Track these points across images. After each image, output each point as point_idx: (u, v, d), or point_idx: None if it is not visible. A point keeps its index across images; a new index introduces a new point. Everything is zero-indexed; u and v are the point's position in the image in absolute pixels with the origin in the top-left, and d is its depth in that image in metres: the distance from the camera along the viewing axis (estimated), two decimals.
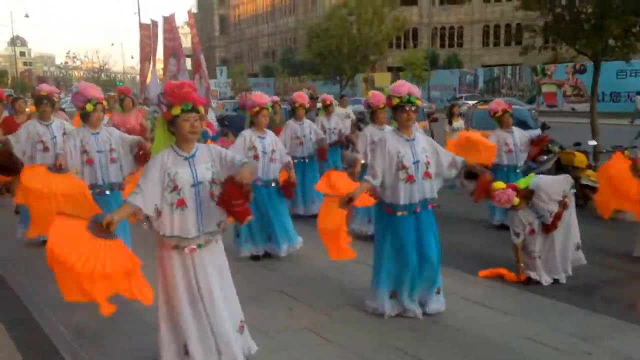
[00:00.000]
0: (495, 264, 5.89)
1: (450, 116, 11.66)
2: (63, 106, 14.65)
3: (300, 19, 60.34)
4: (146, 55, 14.16)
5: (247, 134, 6.13)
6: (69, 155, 5.29)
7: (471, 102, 19.76)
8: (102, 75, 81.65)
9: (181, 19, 46.04)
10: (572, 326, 4.49)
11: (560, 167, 9.18)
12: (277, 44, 66.57)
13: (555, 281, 5.52)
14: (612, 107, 29.20)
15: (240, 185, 3.30)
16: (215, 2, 77.82)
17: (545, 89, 36.59)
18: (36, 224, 4.92)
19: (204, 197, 3.46)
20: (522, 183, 5.47)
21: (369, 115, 7.07)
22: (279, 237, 6.28)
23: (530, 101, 35.25)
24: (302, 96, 8.43)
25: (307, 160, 8.31)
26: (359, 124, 11.17)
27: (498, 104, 7.60)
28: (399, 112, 4.48)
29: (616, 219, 7.40)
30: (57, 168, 5.17)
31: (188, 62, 14.79)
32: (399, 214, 4.49)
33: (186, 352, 3.52)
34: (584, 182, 8.48)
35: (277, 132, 7.21)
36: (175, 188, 3.40)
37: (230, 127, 12.68)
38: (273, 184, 6.27)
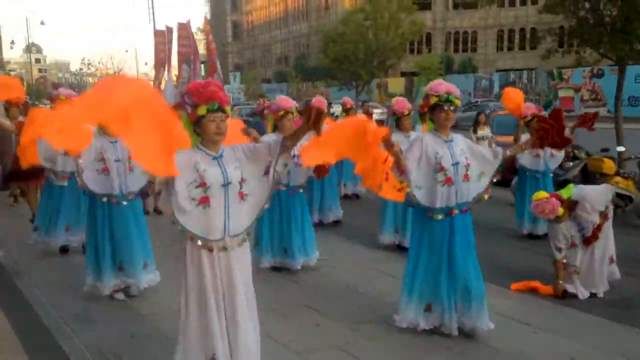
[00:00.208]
0: (526, 276, 5.66)
1: (476, 124, 11.05)
2: None
3: (313, 25, 60.30)
4: (161, 61, 14.15)
5: (272, 138, 5.93)
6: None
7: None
8: None
9: (194, 26, 46.20)
10: (613, 343, 4.27)
11: (586, 174, 8.92)
12: (290, 49, 66.62)
13: (592, 295, 5.27)
14: (630, 112, 28.74)
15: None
16: (228, 9, 78.12)
17: (562, 93, 36.14)
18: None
19: (233, 199, 3.29)
20: (564, 193, 5.22)
21: (394, 122, 6.85)
22: (295, 249, 6.06)
23: (547, 106, 34.82)
24: (321, 101, 8.24)
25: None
26: None
27: (528, 108, 7.32)
28: (437, 111, 4.24)
29: None
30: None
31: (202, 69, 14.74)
32: (436, 217, 4.25)
33: None
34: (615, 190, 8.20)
35: None
36: (203, 185, 3.21)
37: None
38: (300, 190, 6.08)
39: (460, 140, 4.37)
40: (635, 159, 8.94)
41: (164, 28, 13.99)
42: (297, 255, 6.07)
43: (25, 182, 8.32)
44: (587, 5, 11.31)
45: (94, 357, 4.18)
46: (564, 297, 5.21)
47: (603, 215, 5.17)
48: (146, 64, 67.64)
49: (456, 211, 4.25)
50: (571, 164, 9.04)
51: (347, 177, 10.02)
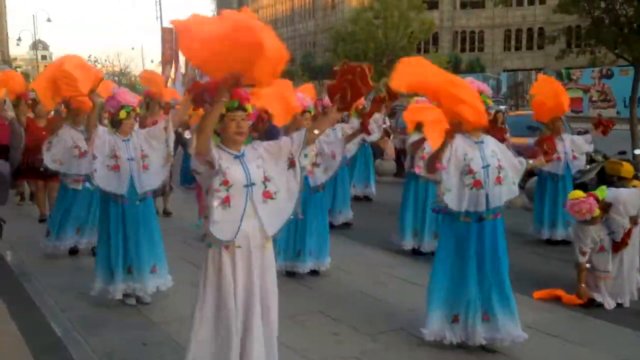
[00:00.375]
0: (548, 284, 5.48)
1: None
2: None
3: (319, 23, 60.13)
4: (167, 58, 14.05)
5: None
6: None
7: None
8: (123, 79, 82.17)
9: None
10: None
11: (603, 178, 8.70)
12: (297, 48, 66.46)
13: (619, 305, 5.08)
14: (638, 113, 28.50)
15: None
16: (234, 7, 78.14)
17: (570, 94, 35.54)
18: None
19: (257, 199, 3.15)
20: (598, 194, 4.97)
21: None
22: (306, 252, 5.88)
23: None
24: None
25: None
26: (387, 130, 10.85)
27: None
28: None
29: None
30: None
31: None
32: (463, 220, 4.06)
33: None
34: None
35: None
36: (225, 182, 3.06)
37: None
38: (320, 190, 5.90)
39: (490, 142, 4.17)
40: None
41: (171, 25, 13.90)
42: (308, 258, 5.89)
43: (34, 180, 8.19)
44: (602, 4, 11.15)
45: None
46: (590, 306, 5.02)
47: (633, 221, 4.99)
48: (152, 61, 67.51)
49: (488, 217, 4.07)
50: (588, 167, 8.82)
51: (357, 179, 9.86)
